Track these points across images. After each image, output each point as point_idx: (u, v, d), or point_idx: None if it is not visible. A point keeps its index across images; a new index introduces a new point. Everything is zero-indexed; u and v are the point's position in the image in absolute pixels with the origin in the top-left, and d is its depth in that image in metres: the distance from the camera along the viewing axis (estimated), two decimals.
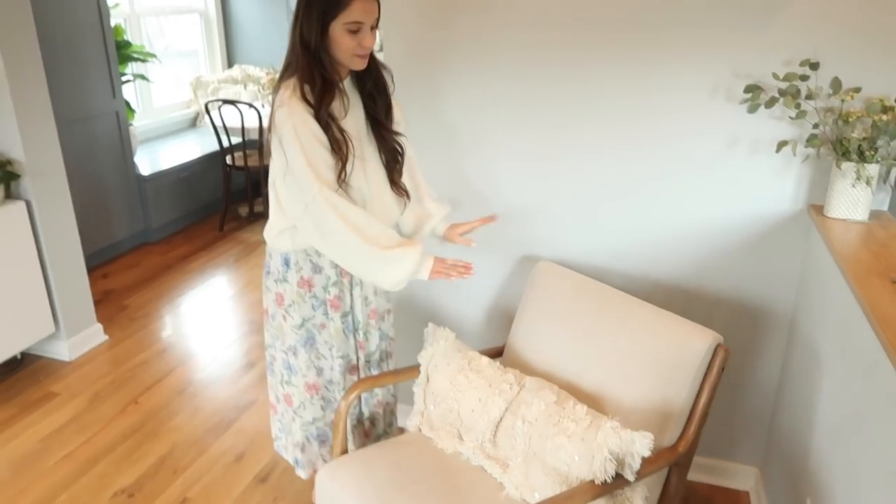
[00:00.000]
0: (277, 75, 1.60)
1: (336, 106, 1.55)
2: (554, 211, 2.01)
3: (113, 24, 3.98)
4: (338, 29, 1.48)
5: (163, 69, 4.79)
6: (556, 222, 2.02)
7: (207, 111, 4.36)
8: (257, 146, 4.44)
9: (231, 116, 4.32)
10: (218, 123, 4.33)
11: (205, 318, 3.46)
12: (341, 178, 1.54)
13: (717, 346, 1.53)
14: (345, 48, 1.50)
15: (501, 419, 1.54)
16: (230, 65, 5.58)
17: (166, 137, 4.97)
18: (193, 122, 5.26)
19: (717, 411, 2.03)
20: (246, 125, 4.30)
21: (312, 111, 1.50)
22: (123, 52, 4.17)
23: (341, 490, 1.56)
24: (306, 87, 1.51)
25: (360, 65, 1.54)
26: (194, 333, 3.31)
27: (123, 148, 4.06)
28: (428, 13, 1.93)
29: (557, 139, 1.93)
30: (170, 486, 2.28)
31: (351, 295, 1.76)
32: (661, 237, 1.95)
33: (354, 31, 1.49)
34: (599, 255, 2.00)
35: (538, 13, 1.83)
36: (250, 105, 4.26)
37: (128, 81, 4.24)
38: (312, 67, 1.50)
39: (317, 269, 1.71)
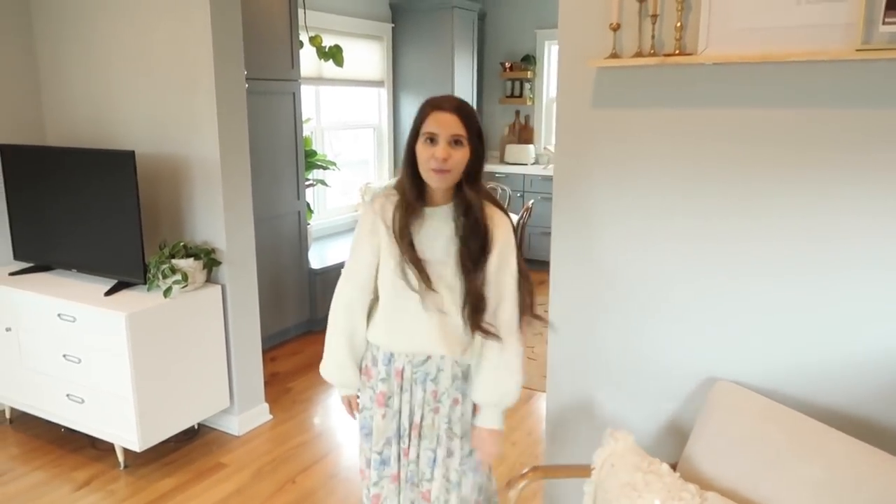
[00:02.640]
0: None
1: (418, 223, 1.64)
2: (728, 329, 1.96)
3: (304, 135, 4.52)
4: (420, 140, 1.59)
5: (335, 175, 5.32)
6: (731, 342, 1.97)
7: None
8: None
9: None
10: None
11: None
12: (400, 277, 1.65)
13: None
14: (421, 159, 1.59)
15: None
16: (396, 172, 6.08)
17: (335, 236, 5.44)
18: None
19: None
20: None
21: (381, 215, 1.67)
22: (309, 160, 4.70)
23: None
24: (394, 192, 1.68)
25: (435, 181, 1.59)
26: (349, 421, 3.46)
27: (301, 244, 4.49)
28: (598, 128, 2.05)
29: (735, 255, 1.91)
30: None
31: (400, 399, 1.78)
32: (844, 365, 1.82)
33: (430, 140, 1.57)
34: (776, 379, 1.91)
35: (717, 126, 1.88)
36: None
37: (310, 185, 4.74)
38: (404, 178, 1.65)
39: (374, 360, 1.80)
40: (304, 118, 4.47)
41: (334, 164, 5.01)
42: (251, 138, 3.28)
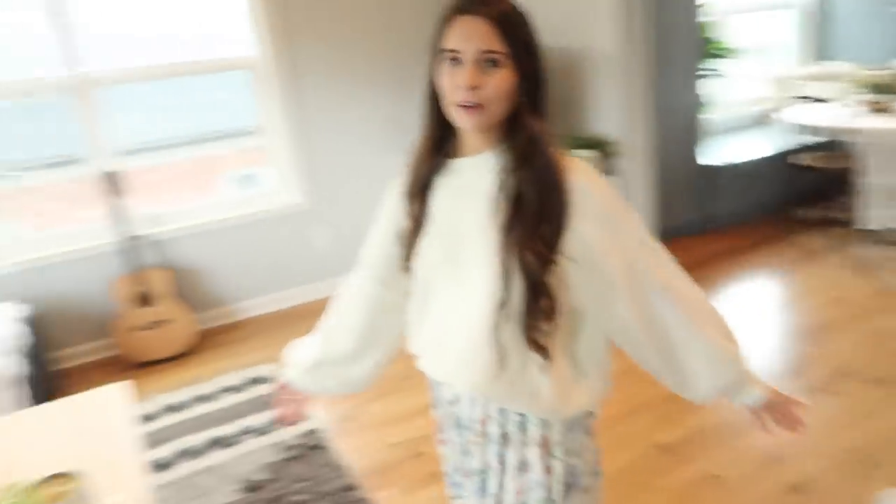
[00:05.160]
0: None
1: (442, 181, 1.16)
2: None
3: (703, 21, 4.21)
4: (442, 60, 1.07)
5: (735, 64, 4.72)
6: None
7: (783, 108, 4.23)
8: (835, 147, 4.13)
9: (811, 115, 4.07)
10: (795, 121, 4.10)
11: (751, 318, 3.30)
12: (407, 262, 1.21)
13: None
14: (443, 89, 1.08)
15: None
16: (817, 61, 5.11)
17: (731, 132, 4.90)
18: (762, 119, 5.04)
19: None
20: (826, 125, 3.93)
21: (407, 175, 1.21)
22: (707, 48, 4.34)
23: None
24: (419, 142, 1.18)
25: (464, 119, 1.07)
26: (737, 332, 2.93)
27: (690, 138, 4.21)
28: None
29: None
30: (700, 458, 2.31)
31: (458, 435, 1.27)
32: None
33: (453, 61, 1.05)
34: None
35: None
36: (835, 104, 4.01)
37: (705, 76, 4.33)
38: (424, 117, 1.15)
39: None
40: (699, 1, 4.12)
41: (735, 52, 4.54)
42: (646, 27, 3.22)
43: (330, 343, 1.37)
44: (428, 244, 1.16)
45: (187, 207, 3.62)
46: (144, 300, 3.30)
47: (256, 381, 3.03)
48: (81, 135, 3.27)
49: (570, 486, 1.18)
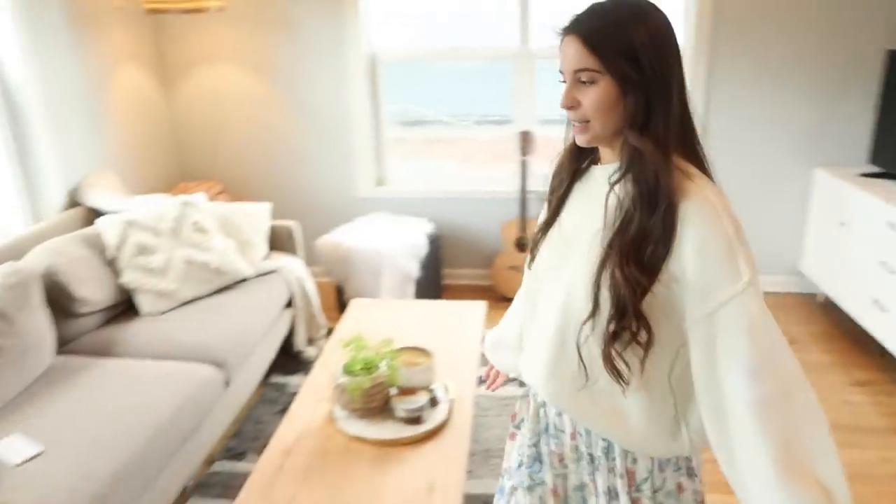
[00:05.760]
0: None
1: (579, 184, 1.18)
2: None
3: None
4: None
5: None
6: None
7: None
8: None
9: None
10: None
11: None
12: (532, 257, 1.25)
13: None
14: None
15: None
16: None
17: None
18: None
19: None
20: None
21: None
22: None
23: None
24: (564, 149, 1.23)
25: (574, 136, 1.10)
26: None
27: None
28: None
29: None
30: None
31: (537, 451, 1.25)
32: None
33: (562, 81, 1.06)
34: None
35: None
36: None
37: None
38: (568, 127, 1.17)
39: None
40: None
41: None
42: None
43: (505, 327, 1.49)
44: (547, 245, 1.19)
45: None
46: (521, 246, 3.78)
47: None
48: (514, 98, 3.83)
49: None
